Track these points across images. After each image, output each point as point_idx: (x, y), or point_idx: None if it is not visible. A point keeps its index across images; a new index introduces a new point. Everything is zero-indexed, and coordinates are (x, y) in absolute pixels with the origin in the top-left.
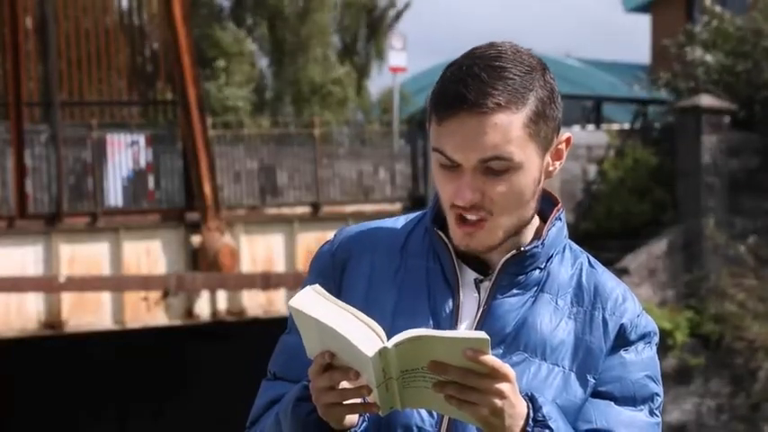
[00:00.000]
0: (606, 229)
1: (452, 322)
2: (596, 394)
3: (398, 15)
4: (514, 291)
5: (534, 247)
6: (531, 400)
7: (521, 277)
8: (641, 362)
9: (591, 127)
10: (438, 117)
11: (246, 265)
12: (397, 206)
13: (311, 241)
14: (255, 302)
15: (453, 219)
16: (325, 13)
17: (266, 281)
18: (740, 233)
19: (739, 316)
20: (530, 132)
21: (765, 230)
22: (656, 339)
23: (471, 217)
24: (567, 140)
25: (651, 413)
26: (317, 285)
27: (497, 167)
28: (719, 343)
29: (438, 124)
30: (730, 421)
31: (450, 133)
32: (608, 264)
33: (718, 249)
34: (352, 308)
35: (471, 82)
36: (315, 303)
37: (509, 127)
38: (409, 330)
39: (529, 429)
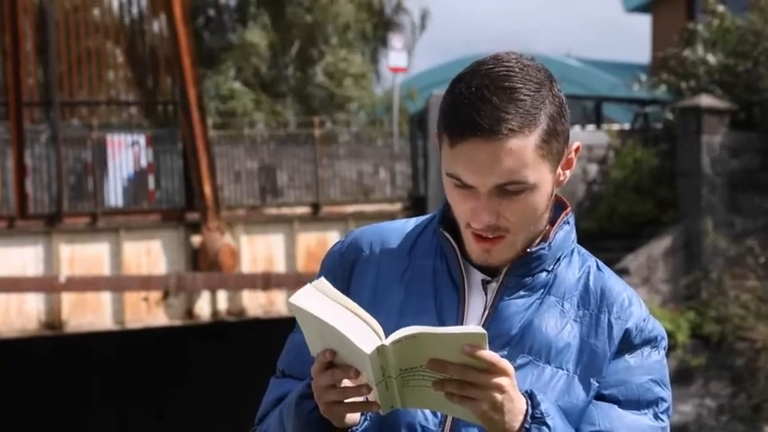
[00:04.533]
0: (607, 229)
1: (458, 323)
2: (600, 397)
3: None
4: (521, 292)
5: (540, 248)
6: (530, 396)
7: (527, 279)
8: (646, 366)
9: (591, 127)
10: (450, 140)
11: (247, 266)
12: (398, 206)
13: (311, 241)
14: (255, 302)
15: (470, 236)
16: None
17: (266, 281)
18: (741, 233)
19: (741, 316)
20: (542, 153)
21: (766, 230)
22: (665, 344)
23: (488, 235)
24: (577, 149)
25: (656, 417)
26: (321, 280)
27: (513, 189)
28: (720, 343)
29: (450, 147)
30: (731, 422)
31: (464, 158)
32: (608, 264)
33: (718, 250)
34: (352, 303)
35: (483, 106)
36: (314, 300)
37: (523, 151)
38: (406, 328)
39: (527, 426)
